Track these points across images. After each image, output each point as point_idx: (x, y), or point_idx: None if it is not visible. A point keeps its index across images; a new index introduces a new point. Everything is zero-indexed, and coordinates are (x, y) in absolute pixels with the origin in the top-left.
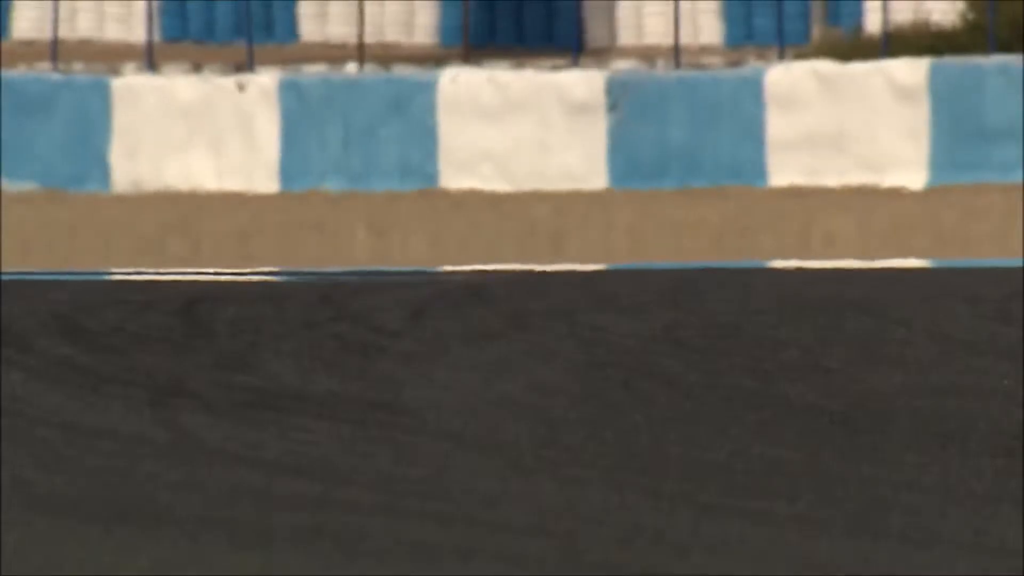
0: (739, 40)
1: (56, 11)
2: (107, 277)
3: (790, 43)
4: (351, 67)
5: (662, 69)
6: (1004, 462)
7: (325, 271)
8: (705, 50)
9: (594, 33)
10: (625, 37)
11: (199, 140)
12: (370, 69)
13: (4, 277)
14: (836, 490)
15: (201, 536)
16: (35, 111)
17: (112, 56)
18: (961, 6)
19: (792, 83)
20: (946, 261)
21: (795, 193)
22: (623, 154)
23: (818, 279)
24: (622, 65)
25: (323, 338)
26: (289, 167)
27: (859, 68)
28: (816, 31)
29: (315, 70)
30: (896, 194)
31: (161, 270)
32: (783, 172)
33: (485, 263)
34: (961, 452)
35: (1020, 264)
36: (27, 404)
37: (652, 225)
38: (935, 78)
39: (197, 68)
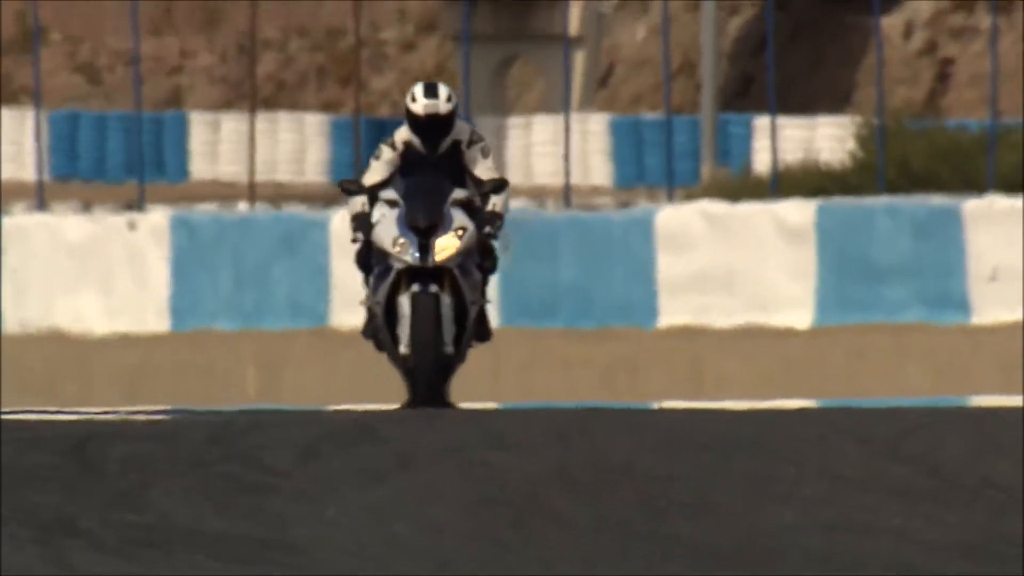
0: (629, 180)
1: None
2: None
3: (680, 183)
4: (242, 205)
5: (552, 209)
6: None
7: (215, 409)
8: (596, 190)
9: None
10: (515, 177)
11: (89, 279)
12: (261, 207)
13: None
14: None
15: None
16: None
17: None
18: (850, 146)
19: (682, 223)
20: (835, 400)
21: (685, 333)
22: (513, 293)
23: (708, 418)
24: (512, 205)
25: (213, 477)
26: (180, 306)
27: (748, 208)
28: (706, 171)
29: (206, 208)
30: (785, 334)
31: (51, 408)
32: (673, 312)
33: (375, 402)
34: None
35: (910, 403)
36: None
37: (542, 363)
38: (823, 218)
39: (87, 206)
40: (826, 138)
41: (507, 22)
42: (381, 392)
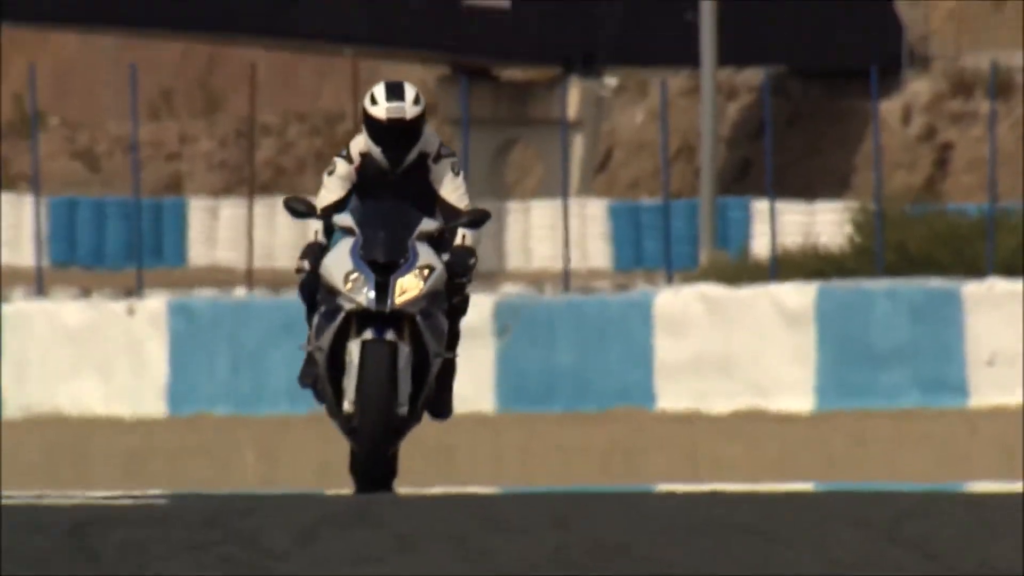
0: (628, 264)
1: None
2: None
3: (679, 267)
4: (240, 291)
5: (551, 293)
6: None
7: (213, 493)
8: (594, 273)
9: (481, 257)
10: (514, 261)
11: (88, 364)
12: (260, 293)
13: None
14: None
15: None
16: None
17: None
18: (849, 230)
19: (680, 307)
20: (834, 485)
21: (683, 417)
22: (511, 378)
23: (706, 502)
24: (511, 289)
25: (211, 559)
26: (178, 390)
27: (747, 292)
28: (704, 255)
29: (205, 294)
30: (784, 418)
31: (49, 492)
32: (671, 396)
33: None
34: None
35: (909, 488)
36: None
37: (540, 447)
38: (822, 302)
39: (86, 293)
40: (825, 222)
41: (506, 106)
42: None
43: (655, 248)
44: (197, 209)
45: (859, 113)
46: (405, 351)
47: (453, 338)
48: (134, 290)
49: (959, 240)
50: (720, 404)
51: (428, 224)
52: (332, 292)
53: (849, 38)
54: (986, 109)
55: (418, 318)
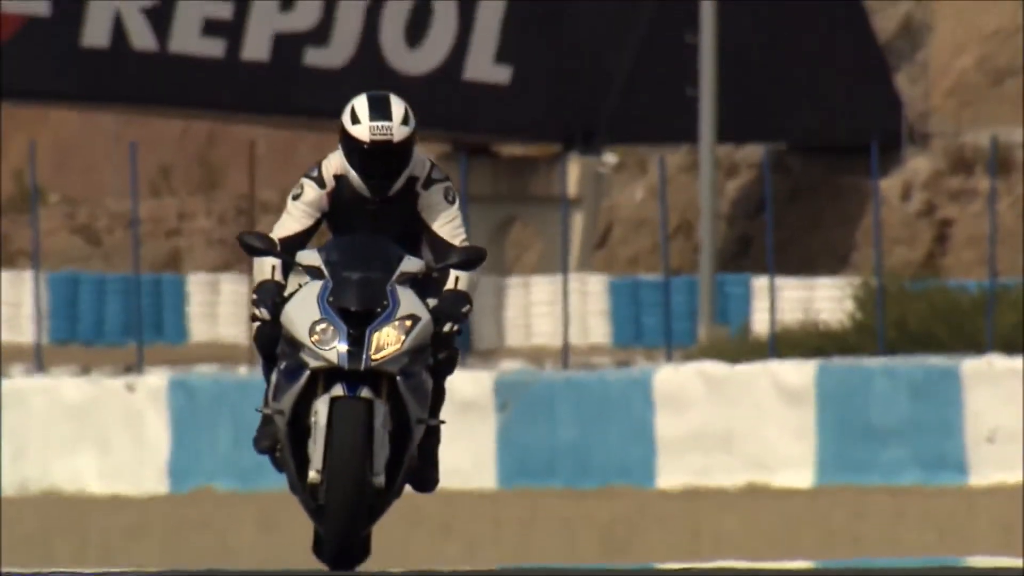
0: (628, 340)
1: None
2: None
3: (678, 343)
4: (242, 367)
5: (551, 369)
6: None
7: (213, 569)
8: (594, 349)
9: (481, 333)
10: (514, 337)
11: (87, 440)
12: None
13: None
14: None
15: None
16: None
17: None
18: (849, 306)
19: (680, 383)
20: (834, 562)
21: (684, 493)
22: (512, 453)
23: None
24: (510, 365)
25: None
26: (178, 467)
27: (746, 369)
28: (703, 331)
29: (205, 370)
30: (784, 494)
31: (47, 569)
32: (672, 472)
33: (374, 554)
34: None
35: (909, 563)
36: None
37: (541, 523)
38: (822, 379)
39: (86, 370)
40: (824, 299)
41: (506, 183)
42: (377, 545)
43: (655, 324)
44: (197, 285)
45: (859, 189)
46: (382, 410)
47: (438, 400)
48: (134, 367)
49: (959, 316)
50: (720, 480)
51: (412, 264)
52: (295, 345)
53: (849, 115)
54: (986, 186)
55: (398, 379)
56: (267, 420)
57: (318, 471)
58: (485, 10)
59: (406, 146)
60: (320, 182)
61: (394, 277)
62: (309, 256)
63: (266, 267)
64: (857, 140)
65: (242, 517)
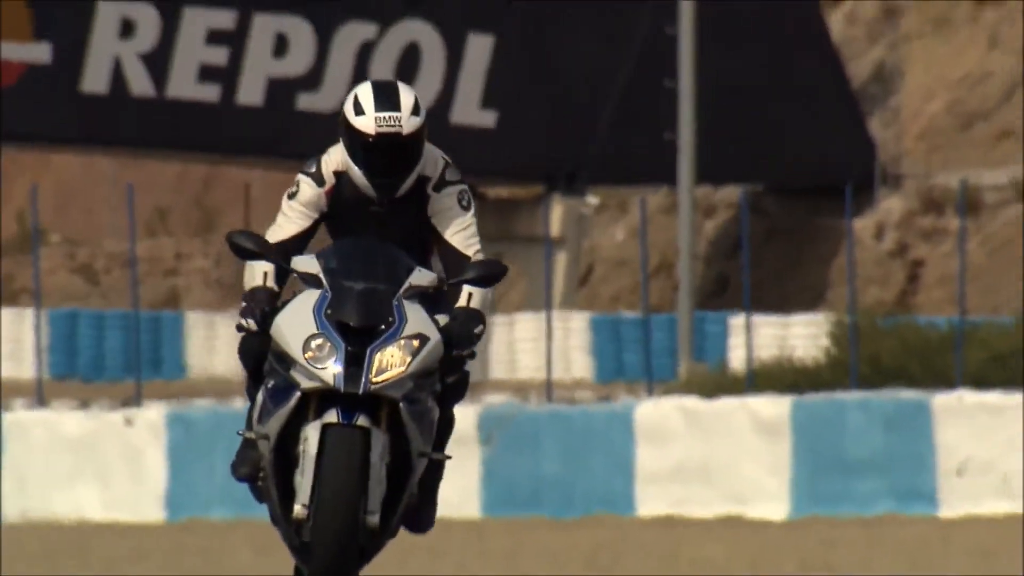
0: (609, 376)
1: None
2: None
3: (658, 378)
4: (238, 401)
5: (535, 403)
6: None
7: None
8: (577, 384)
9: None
10: (499, 372)
11: (87, 473)
12: None
13: None
14: None
15: None
16: None
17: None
18: (824, 343)
19: (660, 418)
20: None
21: (663, 522)
22: (496, 485)
23: None
24: (495, 399)
25: None
26: (176, 498)
27: (724, 403)
28: (683, 367)
29: (203, 403)
30: (760, 524)
31: None
32: (652, 503)
33: None
34: None
35: None
36: None
37: (526, 552)
38: (797, 413)
39: (85, 404)
40: (800, 336)
41: (491, 223)
42: None
43: (635, 360)
44: (195, 321)
45: (833, 230)
46: (381, 440)
47: (444, 431)
48: (131, 400)
49: (930, 353)
50: (698, 511)
51: (423, 276)
52: (286, 362)
53: (824, 158)
54: (956, 226)
55: (401, 405)
56: (249, 444)
57: (304, 505)
58: (472, 56)
59: (416, 140)
60: (318, 179)
61: (402, 290)
62: (306, 262)
63: (257, 272)
64: (831, 182)
65: (237, 544)
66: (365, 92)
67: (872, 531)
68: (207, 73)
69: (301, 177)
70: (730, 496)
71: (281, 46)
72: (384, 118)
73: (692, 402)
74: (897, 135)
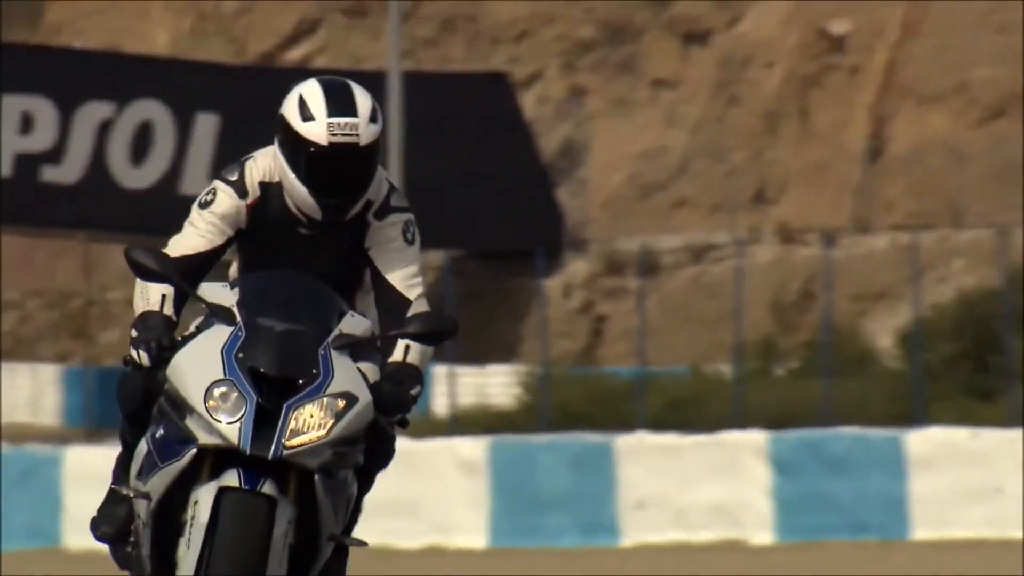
0: None
1: None
2: None
3: None
4: None
5: None
6: None
7: None
8: None
9: None
10: None
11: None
12: (4, 445)
13: None
14: None
15: None
16: None
17: None
18: (517, 390)
19: None
20: None
21: (373, 552)
22: None
23: None
24: None
25: None
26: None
27: (429, 444)
28: None
29: None
30: (461, 555)
31: None
32: (362, 535)
33: None
34: None
35: None
36: None
37: None
38: (495, 453)
39: None
40: (497, 384)
41: None
42: None
43: None
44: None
45: (526, 289)
46: (287, 514)
47: (355, 511)
48: None
49: (613, 399)
50: (406, 542)
51: (357, 324)
52: (181, 409)
53: (517, 225)
54: (636, 286)
55: (316, 477)
56: (116, 498)
57: None
58: (201, 127)
59: (374, 152)
60: (240, 190)
61: (330, 338)
62: (217, 292)
63: (152, 294)
64: (524, 246)
65: None
66: (313, 93)
67: (561, 561)
68: None
69: (219, 185)
70: (435, 528)
71: (26, 124)
72: (339, 125)
73: (401, 442)
74: (583, 204)
